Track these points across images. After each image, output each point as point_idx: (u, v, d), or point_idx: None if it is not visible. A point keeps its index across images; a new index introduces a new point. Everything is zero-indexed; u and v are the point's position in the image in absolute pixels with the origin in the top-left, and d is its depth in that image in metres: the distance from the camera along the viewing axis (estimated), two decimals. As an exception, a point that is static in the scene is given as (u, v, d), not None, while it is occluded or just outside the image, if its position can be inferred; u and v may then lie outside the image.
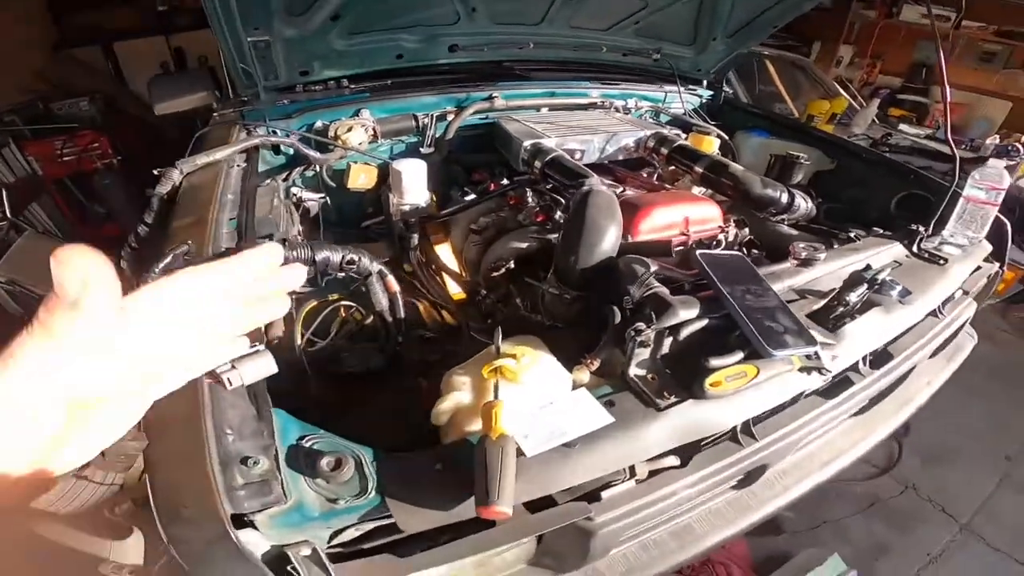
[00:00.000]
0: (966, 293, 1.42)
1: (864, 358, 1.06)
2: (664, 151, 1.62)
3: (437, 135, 1.64)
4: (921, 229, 1.35)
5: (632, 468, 0.81)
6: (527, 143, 1.46)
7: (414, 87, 1.63)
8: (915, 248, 1.35)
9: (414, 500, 0.63)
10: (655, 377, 0.83)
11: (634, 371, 0.82)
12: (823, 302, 1.03)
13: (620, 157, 1.67)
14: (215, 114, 1.52)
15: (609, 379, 0.84)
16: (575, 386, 0.84)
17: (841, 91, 3.74)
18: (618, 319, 0.87)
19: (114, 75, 3.52)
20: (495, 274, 1.32)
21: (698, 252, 0.98)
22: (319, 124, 1.50)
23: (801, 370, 0.87)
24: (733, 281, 0.93)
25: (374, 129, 1.54)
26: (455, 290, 1.45)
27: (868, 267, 1.19)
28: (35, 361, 0.29)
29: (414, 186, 1.35)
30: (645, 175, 1.70)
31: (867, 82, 5.79)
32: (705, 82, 2.20)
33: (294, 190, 1.45)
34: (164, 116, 1.56)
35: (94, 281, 0.29)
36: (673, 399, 0.79)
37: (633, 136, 1.64)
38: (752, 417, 0.89)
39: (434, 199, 1.60)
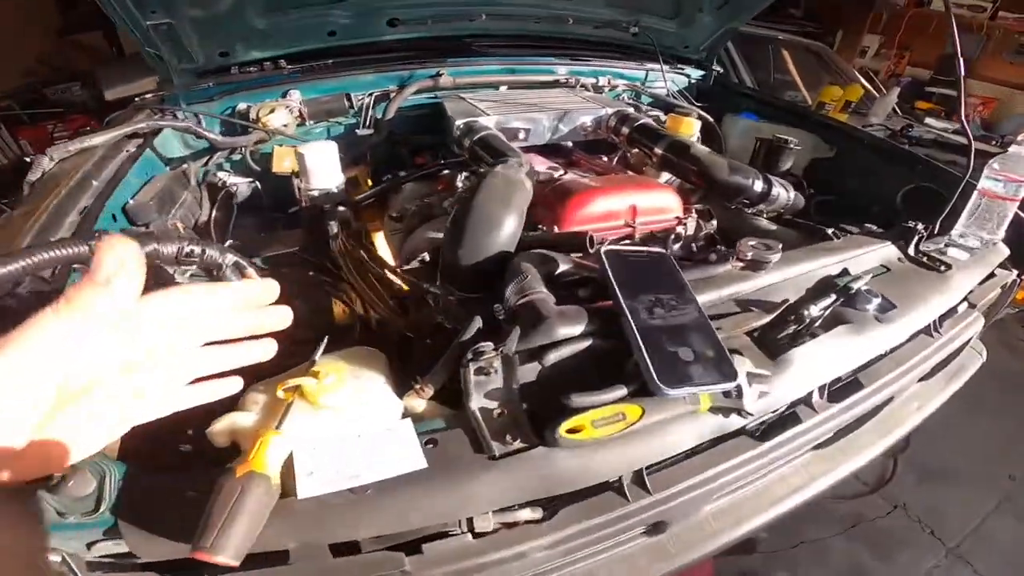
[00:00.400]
0: (972, 306, 1.14)
1: (821, 389, 0.83)
2: (625, 131, 1.38)
3: (381, 116, 1.46)
4: (920, 227, 1.08)
5: (470, 520, 0.62)
6: (460, 121, 1.26)
7: (352, 66, 1.43)
8: (911, 250, 1.08)
9: (156, 527, 0.50)
10: (504, 412, 0.61)
11: (478, 403, 0.61)
12: (771, 317, 0.80)
13: (577, 138, 1.43)
14: (136, 98, 1.37)
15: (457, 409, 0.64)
16: (407, 415, 0.64)
17: (859, 78, 3.35)
18: (469, 333, 0.66)
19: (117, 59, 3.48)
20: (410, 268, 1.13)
21: (604, 248, 0.75)
22: (241, 107, 1.33)
23: (714, 411, 0.65)
24: (645, 288, 0.71)
25: (300, 111, 1.37)
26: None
27: (844, 272, 0.95)
28: (53, 332, 0.30)
29: (321, 170, 1.16)
30: (605, 159, 1.47)
31: (894, 73, 5.26)
32: (694, 61, 1.93)
33: (221, 174, 1.31)
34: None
35: (128, 265, 0.32)
36: (517, 445, 0.58)
37: (591, 115, 1.41)
38: (645, 466, 0.67)
39: (369, 183, 1.43)
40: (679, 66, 1.89)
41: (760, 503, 0.93)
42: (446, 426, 0.62)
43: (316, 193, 1.19)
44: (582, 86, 1.63)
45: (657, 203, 1.14)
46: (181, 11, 1.12)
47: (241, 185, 1.32)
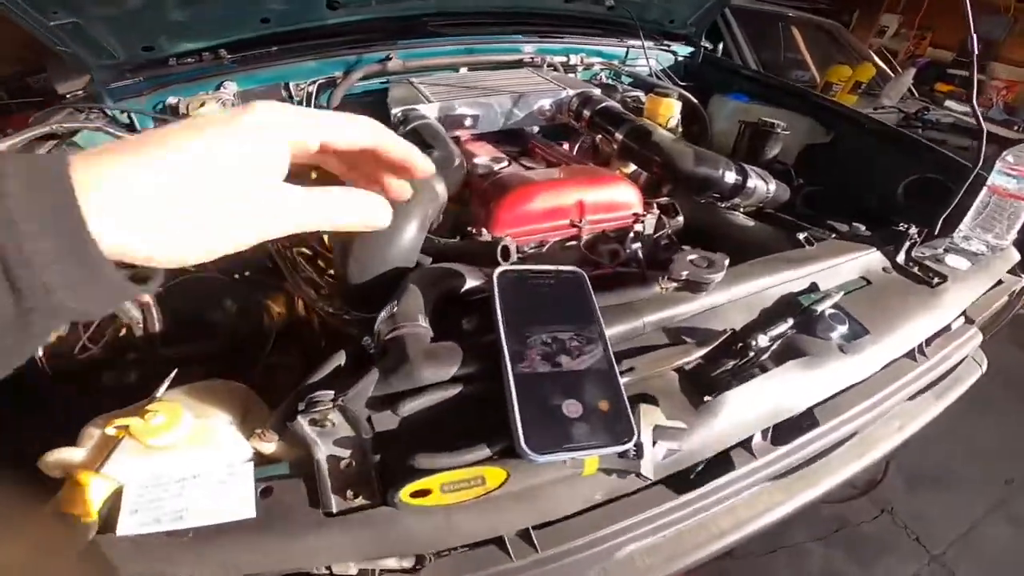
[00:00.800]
0: (970, 321, 0.95)
1: (764, 431, 0.66)
2: (587, 114, 1.20)
3: (326, 105, 1.31)
4: (912, 231, 0.89)
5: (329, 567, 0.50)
6: (396, 110, 1.11)
7: (293, 53, 1.29)
8: (901, 258, 0.89)
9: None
10: (352, 464, 0.50)
11: (324, 452, 0.50)
12: (705, 350, 0.63)
13: (536, 123, 1.27)
14: (67, 95, 1.26)
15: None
16: (256, 458, 0.54)
17: (873, 58, 3.02)
18: (319, 375, 0.53)
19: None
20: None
21: (499, 269, 0.60)
22: (171, 101, 1.21)
23: (605, 472, 0.51)
24: (543, 319, 0.56)
25: (234, 103, 1.23)
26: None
27: (812, 288, 0.78)
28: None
29: None
30: (566, 147, 1.29)
31: (914, 54, 4.87)
32: (682, 36, 1.71)
33: None
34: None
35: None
36: (358, 502, 0.48)
37: (550, 97, 1.23)
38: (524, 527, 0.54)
39: (313, 176, 1.29)
40: (665, 43, 1.68)
41: (699, 538, 0.78)
42: (289, 473, 0.53)
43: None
44: (549, 65, 1.44)
45: (610, 198, 0.97)
46: (86, 10, 1.01)
47: None
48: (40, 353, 0.74)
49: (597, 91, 1.26)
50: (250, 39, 1.26)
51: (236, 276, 1.05)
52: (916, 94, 3.05)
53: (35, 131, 1.02)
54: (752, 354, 0.63)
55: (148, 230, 0.24)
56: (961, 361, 0.96)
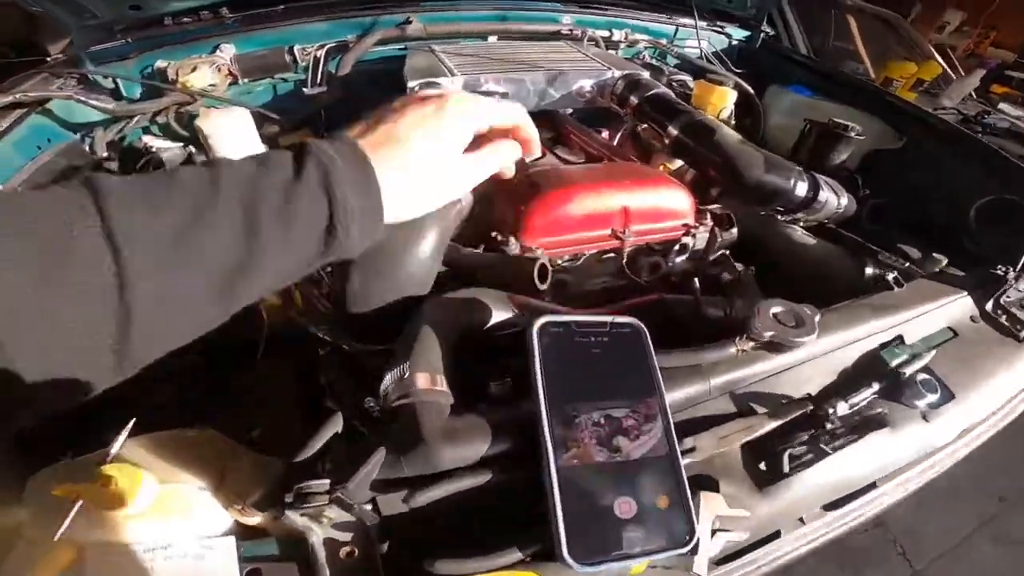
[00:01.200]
0: None
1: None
2: (634, 101, 1.05)
3: (335, 71, 1.16)
4: (1011, 275, 0.75)
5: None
6: (413, 83, 0.96)
7: (300, 13, 1.13)
8: (991, 306, 0.75)
9: None
10: (355, 552, 0.41)
11: (321, 536, 0.40)
12: (782, 421, 0.51)
13: (574, 106, 1.11)
14: (48, 58, 1.11)
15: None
16: (238, 528, 0.44)
17: (935, 55, 2.78)
18: (307, 452, 0.41)
19: None
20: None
21: (539, 322, 0.47)
22: (160, 64, 1.07)
23: (652, 567, 0.41)
24: (590, 392, 0.44)
25: (230, 68, 1.09)
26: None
27: (898, 342, 0.65)
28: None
29: (225, 144, 0.90)
30: (606, 135, 1.14)
31: (974, 52, 4.57)
32: (739, 19, 1.53)
33: (147, 138, 1.06)
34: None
35: None
36: None
37: (592, 77, 1.07)
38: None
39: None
40: (719, 23, 1.49)
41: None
42: (279, 553, 0.43)
43: (228, 170, 0.92)
44: (591, 40, 1.27)
45: (659, 204, 0.84)
46: None
47: (170, 151, 1.06)
48: None
49: (646, 74, 1.10)
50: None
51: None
52: (975, 96, 2.82)
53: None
54: (829, 428, 0.52)
55: (398, 198, 0.36)
56: None
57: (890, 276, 0.74)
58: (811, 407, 0.54)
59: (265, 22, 1.13)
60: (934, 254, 0.89)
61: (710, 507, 0.44)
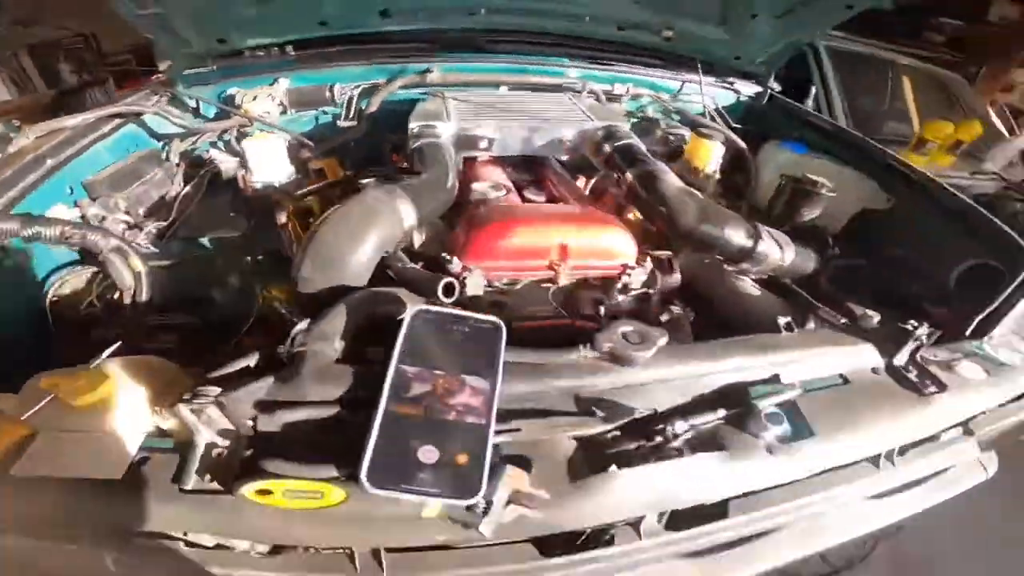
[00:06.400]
0: (969, 432, 0.84)
1: (660, 514, 0.65)
2: (607, 150, 1.20)
3: (364, 109, 1.42)
4: (922, 331, 0.80)
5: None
6: (414, 124, 1.18)
7: (343, 56, 1.42)
8: (901, 359, 0.81)
9: None
10: (223, 454, 0.57)
11: (206, 438, 0.57)
12: (609, 425, 0.63)
13: (556, 153, 1.28)
14: (155, 77, 1.47)
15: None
16: (157, 432, 0.61)
17: (989, 115, 2.66)
18: (222, 371, 0.60)
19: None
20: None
21: (417, 307, 0.64)
22: (231, 91, 1.39)
23: (453, 521, 0.54)
24: (444, 363, 0.60)
25: (281, 99, 1.38)
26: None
27: (772, 379, 0.74)
28: None
29: (262, 163, 1.17)
30: (582, 182, 1.30)
31: None
32: (750, 75, 1.64)
33: (213, 152, 1.37)
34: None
35: None
36: (211, 485, 0.55)
37: (574, 128, 1.24)
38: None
39: (340, 174, 1.40)
40: (728, 80, 1.61)
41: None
42: (173, 448, 0.60)
43: (259, 185, 1.19)
44: (590, 92, 1.45)
45: (598, 244, 0.98)
46: (170, 2, 1.16)
47: (227, 163, 1.36)
48: (47, 303, 0.89)
49: (625, 126, 1.26)
50: (309, 39, 1.40)
51: (249, 259, 1.19)
52: None
53: (105, 110, 1.21)
54: (660, 439, 0.62)
55: None
56: (944, 470, 0.86)
57: (782, 321, 0.83)
58: (653, 420, 0.65)
59: (316, 62, 1.42)
60: (868, 311, 0.94)
61: (512, 481, 0.54)
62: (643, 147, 1.18)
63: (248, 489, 0.52)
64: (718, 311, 1.10)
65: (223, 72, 1.40)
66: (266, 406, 0.58)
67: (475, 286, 0.93)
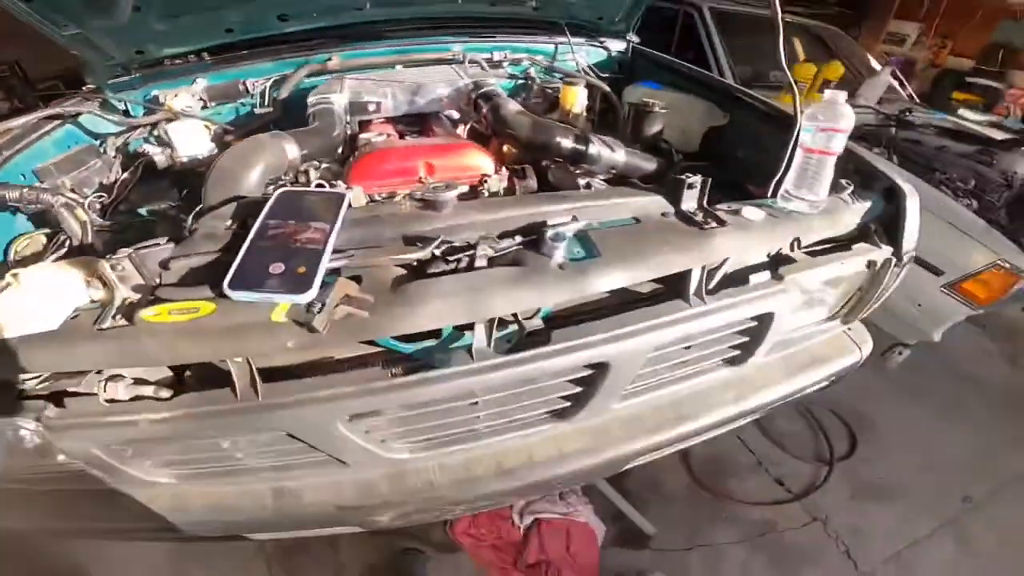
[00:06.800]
0: (778, 278, 1.03)
1: (490, 337, 0.84)
2: (474, 97, 1.43)
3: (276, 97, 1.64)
4: (691, 179, 1.00)
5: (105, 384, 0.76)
6: (312, 97, 1.40)
7: (253, 56, 1.65)
8: (687, 206, 1.01)
9: None
10: (134, 301, 0.75)
11: (124, 293, 0.75)
12: (425, 250, 0.82)
13: (436, 108, 1.51)
14: (84, 87, 1.66)
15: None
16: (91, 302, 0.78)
17: (870, 61, 2.99)
18: (141, 244, 0.79)
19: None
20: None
21: (283, 189, 0.88)
22: (155, 93, 1.59)
23: (295, 322, 0.71)
24: (299, 216, 0.81)
25: (202, 96, 1.59)
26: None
27: (570, 220, 0.94)
28: None
29: (186, 142, 1.40)
30: (462, 128, 1.52)
31: (933, 63, 4.80)
32: (614, 32, 1.90)
33: (146, 146, 1.55)
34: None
35: None
36: (121, 323, 0.72)
37: (449, 87, 1.47)
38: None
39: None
40: (600, 39, 1.87)
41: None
42: (100, 307, 0.77)
43: (185, 159, 1.39)
44: (471, 62, 1.68)
45: (457, 162, 1.19)
46: (88, 23, 1.37)
47: (158, 155, 1.55)
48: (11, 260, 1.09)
49: (492, 81, 1.49)
50: (219, 45, 1.62)
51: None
52: (919, 100, 2.97)
53: (45, 112, 1.41)
54: (467, 259, 0.82)
55: None
56: (767, 319, 1.05)
57: (582, 181, 1.04)
58: (461, 248, 0.84)
59: (229, 63, 1.64)
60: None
61: (343, 288, 0.73)
62: (501, 91, 1.41)
63: (144, 314, 0.70)
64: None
65: (145, 78, 1.60)
66: (166, 262, 0.78)
67: (356, 199, 1.14)
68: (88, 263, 0.85)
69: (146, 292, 0.76)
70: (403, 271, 0.82)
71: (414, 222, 0.88)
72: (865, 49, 3.62)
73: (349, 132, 1.44)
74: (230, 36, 1.62)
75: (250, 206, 0.90)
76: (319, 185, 1.13)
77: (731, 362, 1.16)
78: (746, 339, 1.11)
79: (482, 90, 1.41)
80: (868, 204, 1.14)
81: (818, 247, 1.11)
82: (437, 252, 0.83)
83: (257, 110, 1.65)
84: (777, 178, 1.13)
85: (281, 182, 1.13)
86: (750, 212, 1.03)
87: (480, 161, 1.21)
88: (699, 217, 1.00)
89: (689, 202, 1.02)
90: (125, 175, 1.50)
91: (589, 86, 1.64)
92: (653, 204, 1.02)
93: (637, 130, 1.44)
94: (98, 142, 1.53)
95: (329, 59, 1.65)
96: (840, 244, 1.14)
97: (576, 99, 1.60)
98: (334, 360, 0.86)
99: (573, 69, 1.80)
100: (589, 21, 1.84)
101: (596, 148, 1.23)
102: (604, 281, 0.86)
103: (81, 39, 1.41)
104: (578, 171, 1.28)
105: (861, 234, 1.15)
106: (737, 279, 1.03)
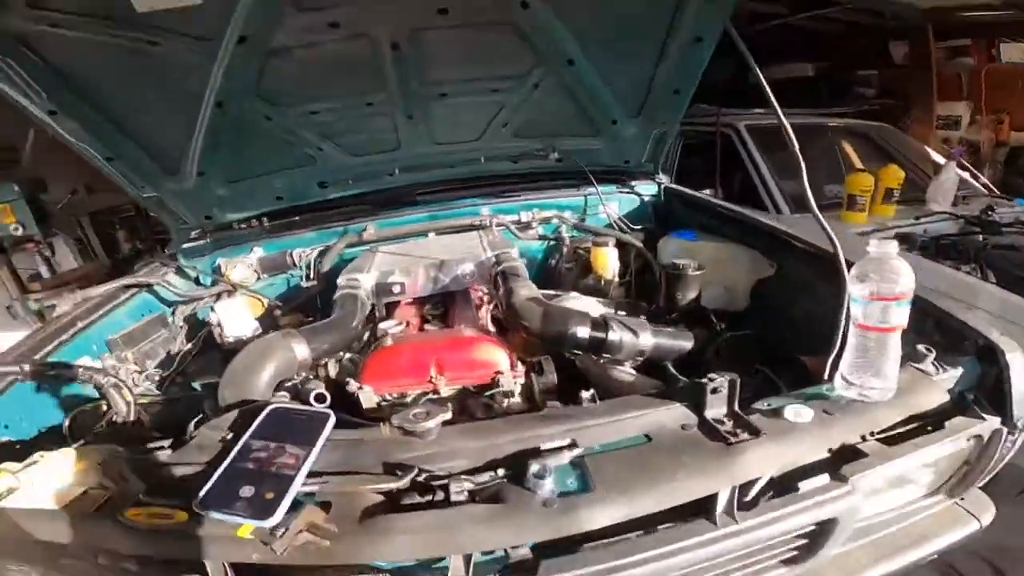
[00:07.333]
0: (841, 479, 0.85)
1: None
2: (494, 275, 1.42)
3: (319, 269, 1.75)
4: (719, 381, 0.86)
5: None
6: (342, 279, 1.47)
7: (295, 226, 1.80)
8: (714, 413, 0.87)
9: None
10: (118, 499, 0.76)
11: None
12: (400, 482, 0.76)
13: (463, 286, 1.50)
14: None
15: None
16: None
17: (929, 154, 2.70)
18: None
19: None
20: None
21: (271, 406, 0.88)
22: (220, 261, 1.76)
23: (258, 540, 0.69)
24: (282, 437, 0.82)
25: (254, 267, 1.74)
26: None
27: (569, 446, 0.83)
28: None
29: (231, 321, 1.51)
30: (483, 310, 1.49)
31: (998, 142, 4.18)
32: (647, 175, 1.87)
33: (212, 315, 1.68)
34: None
35: None
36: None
37: (471, 262, 1.48)
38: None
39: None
40: (630, 184, 1.85)
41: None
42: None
43: (231, 338, 1.48)
44: (499, 225, 1.71)
45: (468, 358, 1.15)
46: (163, 187, 1.58)
47: (215, 328, 1.67)
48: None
49: (513, 252, 1.48)
50: (271, 212, 1.80)
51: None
52: (994, 190, 2.60)
53: (123, 281, 1.58)
54: (444, 493, 0.75)
55: None
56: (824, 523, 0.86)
57: (585, 395, 0.93)
58: (441, 478, 0.77)
59: (278, 232, 1.80)
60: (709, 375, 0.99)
61: (309, 514, 0.71)
62: (519, 267, 1.39)
63: (125, 512, 0.72)
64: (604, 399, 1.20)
65: (212, 244, 1.79)
66: (160, 466, 0.81)
67: (367, 399, 1.13)
68: (95, 455, 0.86)
69: (133, 492, 0.77)
70: (378, 499, 0.77)
71: (396, 448, 0.83)
72: (920, 141, 3.34)
73: (378, 315, 1.47)
74: (279, 203, 1.78)
75: (245, 418, 0.91)
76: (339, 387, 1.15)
77: (790, 562, 0.95)
78: (804, 542, 0.91)
79: (501, 267, 1.40)
80: (959, 372, 0.95)
81: (899, 427, 0.92)
82: (417, 480, 0.78)
83: (303, 283, 1.76)
84: (832, 359, 0.95)
85: (292, 383, 1.15)
86: (795, 412, 0.86)
87: (493, 356, 1.16)
88: (727, 427, 0.86)
89: (716, 408, 0.88)
90: (188, 345, 1.62)
91: (621, 244, 1.59)
92: (670, 415, 0.89)
93: (671, 297, 1.34)
94: (170, 310, 1.67)
95: (364, 229, 1.75)
96: (929, 420, 0.94)
97: (606, 261, 1.55)
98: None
99: (605, 223, 1.76)
100: (615, 166, 1.83)
101: (617, 334, 1.13)
102: (596, 518, 0.74)
103: (157, 201, 1.61)
104: (602, 359, 1.19)
105: (956, 406, 0.95)
106: (785, 482, 0.86)
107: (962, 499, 1.08)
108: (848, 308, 0.89)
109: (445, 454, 0.82)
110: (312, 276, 1.77)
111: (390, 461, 0.82)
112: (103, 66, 1.23)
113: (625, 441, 0.85)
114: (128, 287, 1.60)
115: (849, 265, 0.89)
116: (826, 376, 0.96)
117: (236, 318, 1.52)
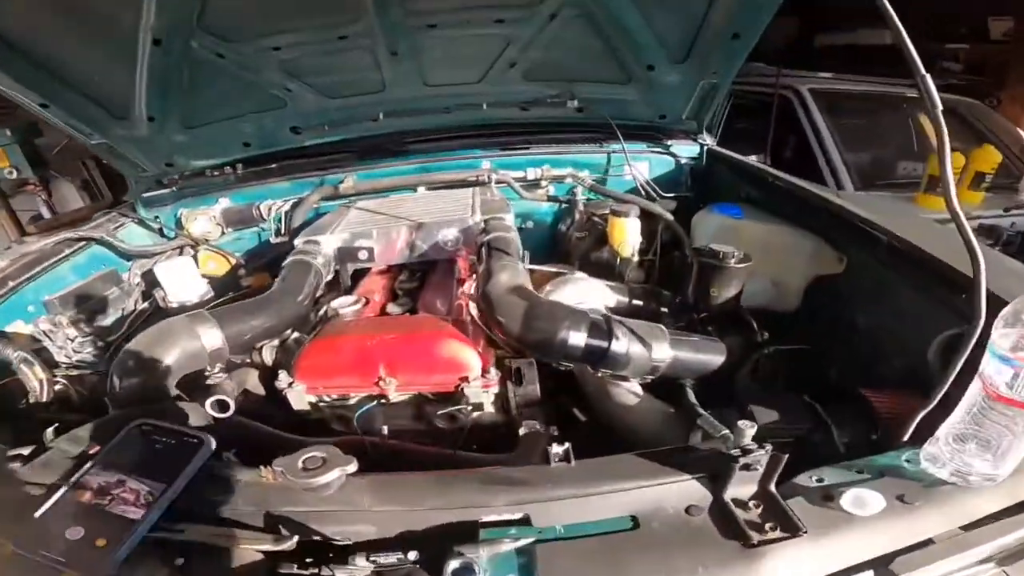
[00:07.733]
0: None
1: None
2: (481, 249, 1.14)
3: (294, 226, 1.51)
4: (748, 456, 0.58)
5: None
6: (299, 240, 1.23)
7: (269, 174, 1.55)
8: (736, 493, 0.60)
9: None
10: None
11: None
12: (281, 546, 0.56)
13: (443, 255, 1.23)
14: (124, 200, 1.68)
15: None
16: None
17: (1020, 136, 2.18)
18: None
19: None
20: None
21: (136, 421, 0.69)
22: (182, 212, 1.55)
23: None
24: (135, 468, 0.63)
25: (219, 220, 1.52)
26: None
27: (520, 522, 0.59)
28: None
29: (175, 284, 1.29)
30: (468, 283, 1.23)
31: None
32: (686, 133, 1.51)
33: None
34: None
35: None
36: None
37: (455, 227, 1.20)
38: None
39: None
40: (665, 142, 1.50)
41: None
42: None
43: (175, 304, 1.29)
44: (499, 182, 1.41)
45: (428, 358, 0.90)
46: (111, 133, 1.37)
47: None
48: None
49: (508, 218, 1.19)
50: (241, 159, 1.56)
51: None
52: None
53: (64, 235, 1.38)
54: (340, 571, 0.54)
55: None
56: None
57: (555, 450, 0.66)
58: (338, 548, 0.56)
59: (252, 180, 1.56)
60: (741, 422, 0.73)
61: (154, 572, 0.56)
62: (509, 239, 1.11)
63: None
64: (602, 420, 0.95)
65: (175, 194, 1.57)
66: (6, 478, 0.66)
67: (298, 401, 0.91)
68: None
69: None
70: (252, 559, 0.57)
71: (285, 497, 0.61)
72: (1013, 122, 2.76)
73: (343, 285, 1.23)
74: (248, 150, 1.54)
75: (107, 431, 0.72)
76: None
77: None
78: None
79: (488, 237, 1.11)
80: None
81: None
82: (304, 543, 0.57)
83: (272, 239, 1.53)
84: (923, 414, 0.66)
85: (218, 377, 0.93)
86: (856, 499, 0.59)
87: (459, 356, 0.90)
88: (751, 515, 0.59)
89: (740, 486, 0.61)
90: (144, 305, 1.44)
91: (646, 214, 1.27)
92: (674, 490, 0.62)
93: (703, 292, 1.03)
94: (128, 265, 1.48)
95: (342, 181, 1.49)
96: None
97: (625, 234, 1.24)
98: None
99: (630, 188, 1.44)
100: (649, 120, 1.48)
101: (623, 344, 0.86)
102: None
103: (107, 148, 1.40)
104: (601, 373, 0.92)
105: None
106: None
107: None
108: (972, 356, 0.58)
109: (347, 515, 0.60)
110: (283, 231, 1.54)
111: (274, 513, 0.60)
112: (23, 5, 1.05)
113: (602, 524, 0.60)
114: (74, 240, 1.41)
115: (994, 300, 0.57)
116: (907, 435, 0.67)
117: (181, 280, 1.31)
